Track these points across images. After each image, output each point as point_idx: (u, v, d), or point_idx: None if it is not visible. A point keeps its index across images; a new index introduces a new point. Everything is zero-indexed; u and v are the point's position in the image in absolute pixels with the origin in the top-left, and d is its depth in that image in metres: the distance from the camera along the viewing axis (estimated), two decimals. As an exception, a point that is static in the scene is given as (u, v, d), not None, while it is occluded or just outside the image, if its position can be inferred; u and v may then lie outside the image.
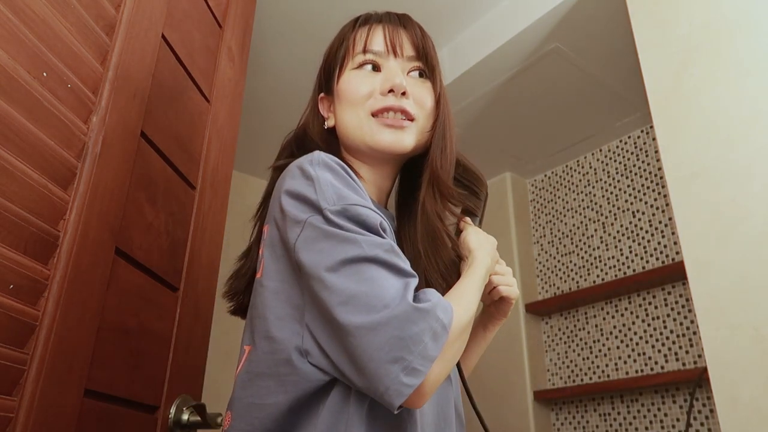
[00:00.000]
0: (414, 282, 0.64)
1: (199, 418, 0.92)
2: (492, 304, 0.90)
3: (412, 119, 0.80)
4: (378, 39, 0.82)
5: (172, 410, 0.91)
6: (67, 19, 0.74)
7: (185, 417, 0.92)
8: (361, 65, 0.82)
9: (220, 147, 1.15)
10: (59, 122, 0.71)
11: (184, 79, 1.04)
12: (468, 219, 0.86)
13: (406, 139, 0.79)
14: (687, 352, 2.05)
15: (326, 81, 0.87)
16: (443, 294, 0.72)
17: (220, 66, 1.18)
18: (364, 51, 0.82)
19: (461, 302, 0.69)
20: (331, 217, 0.64)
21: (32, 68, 0.68)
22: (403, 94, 0.79)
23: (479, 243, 0.81)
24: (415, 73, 0.83)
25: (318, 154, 0.71)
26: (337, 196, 0.66)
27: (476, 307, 0.72)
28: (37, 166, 0.68)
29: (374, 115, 0.79)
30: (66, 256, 0.70)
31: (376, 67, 0.82)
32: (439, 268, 0.77)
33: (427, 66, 0.84)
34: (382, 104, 0.78)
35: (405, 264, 0.65)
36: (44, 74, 0.70)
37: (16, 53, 0.66)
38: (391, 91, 0.78)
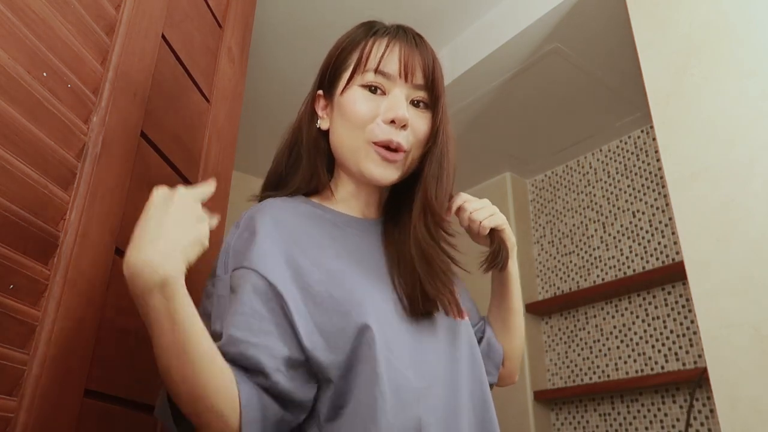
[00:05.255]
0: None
1: (199, 418, 0.92)
2: (488, 246, 0.91)
3: (404, 151, 0.82)
4: (393, 60, 0.82)
5: (172, 410, 0.91)
6: (67, 19, 0.74)
7: (185, 417, 0.92)
8: (368, 85, 0.82)
9: (220, 147, 1.15)
10: (59, 122, 0.71)
11: (184, 79, 1.04)
12: None
13: (393, 174, 0.82)
14: (687, 352, 2.05)
15: (330, 82, 0.87)
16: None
17: (220, 66, 1.18)
18: (376, 71, 0.82)
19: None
20: (210, 285, 0.77)
21: (32, 68, 0.68)
22: (404, 126, 0.81)
23: None
24: (417, 103, 0.84)
25: (251, 213, 0.79)
26: (234, 261, 0.75)
27: None
28: (37, 166, 0.68)
29: (373, 142, 0.81)
30: (66, 256, 0.70)
31: (382, 90, 0.82)
32: (437, 284, 0.78)
33: (432, 96, 0.84)
34: (382, 137, 0.80)
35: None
36: (44, 74, 0.70)
37: (16, 53, 0.66)
38: (392, 121, 0.80)
